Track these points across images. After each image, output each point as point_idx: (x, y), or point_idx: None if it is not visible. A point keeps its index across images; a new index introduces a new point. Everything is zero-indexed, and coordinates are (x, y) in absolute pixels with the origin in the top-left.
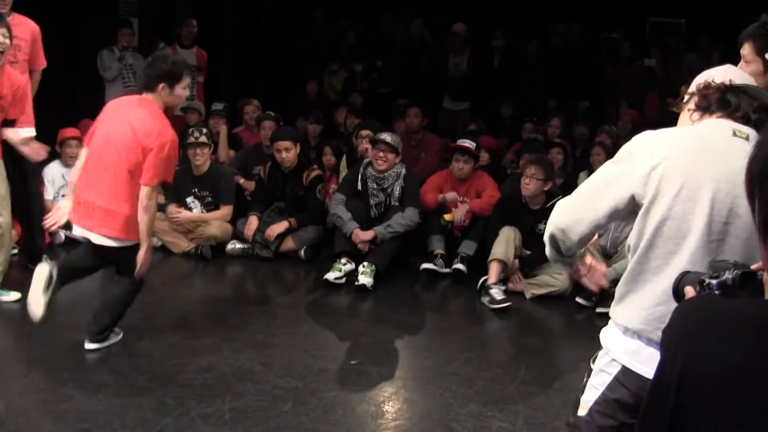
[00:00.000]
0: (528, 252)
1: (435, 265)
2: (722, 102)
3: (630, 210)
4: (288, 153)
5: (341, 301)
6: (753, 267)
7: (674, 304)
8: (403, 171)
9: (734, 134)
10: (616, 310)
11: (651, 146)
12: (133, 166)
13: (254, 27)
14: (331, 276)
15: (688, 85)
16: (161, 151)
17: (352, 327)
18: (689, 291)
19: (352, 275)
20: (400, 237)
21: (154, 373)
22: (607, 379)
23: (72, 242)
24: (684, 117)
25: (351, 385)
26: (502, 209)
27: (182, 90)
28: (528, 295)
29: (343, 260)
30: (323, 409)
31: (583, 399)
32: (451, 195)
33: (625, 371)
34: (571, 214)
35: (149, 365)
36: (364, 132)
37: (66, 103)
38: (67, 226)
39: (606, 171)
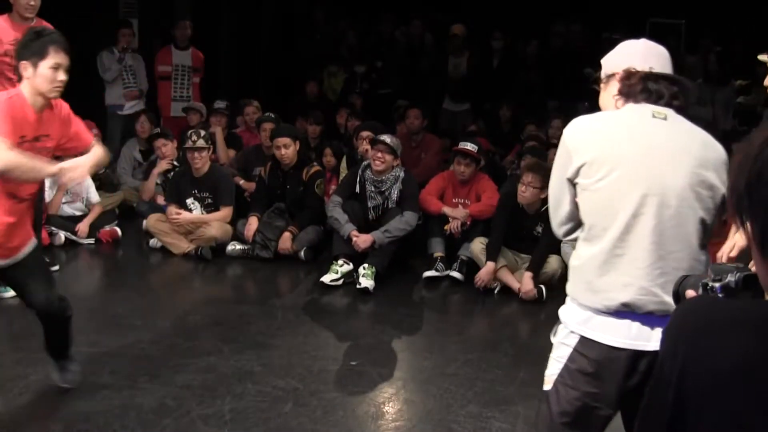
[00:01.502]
0: (524, 255)
1: (436, 270)
2: (645, 91)
3: None
4: (287, 149)
5: (341, 302)
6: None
7: (612, 277)
8: (402, 174)
9: (653, 116)
10: (568, 286)
11: (580, 137)
12: None
13: (254, 27)
14: (327, 278)
15: (599, 65)
16: None
17: (352, 328)
18: (690, 293)
19: (350, 277)
20: (399, 239)
21: (154, 374)
22: (567, 351)
23: (72, 243)
24: (606, 99)
25: (351, 386)
26: (506, 204)
27: (50, 70)
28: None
29: (340, 261)
30: (323, 410)
31: (547, 373)
32: (459, 213)
33: (582, 341)
34: (555, 219)
35: (149, 366)
36: (365, 133)
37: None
38: (68, 228)
39: (555, 171)
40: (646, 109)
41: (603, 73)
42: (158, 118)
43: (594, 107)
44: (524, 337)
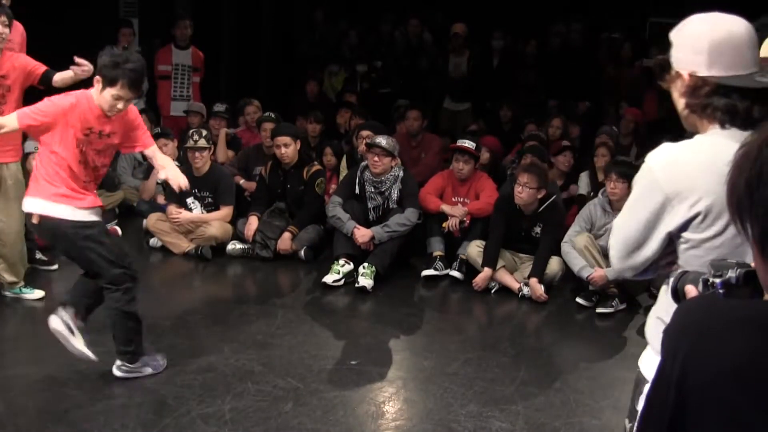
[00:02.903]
0: (523, 255)
1: (435, 269)
2: (715, 110)
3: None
4: (287, 148)
5: (341, 302)
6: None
7: None
8: (401, 174)
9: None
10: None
11: (684, 176)
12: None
13: (254, 27)
14: (329, 279)
15: (663, 53)
16: None
17: (352, 327)
18: (691, 290)
19: (351, 277)
20: (401, 237)
21: (154, 374)
22: None
23: None
24: (678, 104)
25: (351, 386)
26: (503, 207)
27: (112, 98)
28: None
29: (341, 261)
30: (323, 410)
31: None
32: (457, 211)
33: None
34: (626, 261)
35: None
36: (365, 132)
37: None
38: None
39: (636, 210)
40: (738, 135)
41: (673, 63)
42: (158, 118)
43: (594, 107)
44: (524, 337)
